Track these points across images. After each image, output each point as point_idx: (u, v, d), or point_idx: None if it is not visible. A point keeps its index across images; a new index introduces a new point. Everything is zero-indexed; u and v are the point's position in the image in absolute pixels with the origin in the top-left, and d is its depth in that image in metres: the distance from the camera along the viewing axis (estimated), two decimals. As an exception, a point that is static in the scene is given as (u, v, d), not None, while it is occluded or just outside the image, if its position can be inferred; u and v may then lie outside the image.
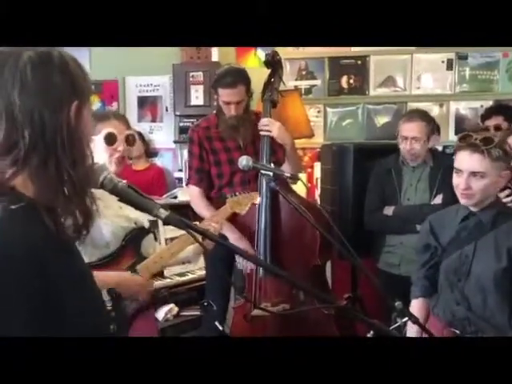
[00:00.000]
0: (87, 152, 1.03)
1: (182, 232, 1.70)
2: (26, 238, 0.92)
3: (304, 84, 4.58)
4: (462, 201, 2.02)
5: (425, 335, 1.66)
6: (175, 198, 3.83)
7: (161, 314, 3.34)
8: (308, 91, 4.58)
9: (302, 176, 3.79)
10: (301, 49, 4.45)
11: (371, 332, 1.38)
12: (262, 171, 2.25)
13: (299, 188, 2.92)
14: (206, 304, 2.76)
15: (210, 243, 1.78)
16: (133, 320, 1.88)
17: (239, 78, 2.82)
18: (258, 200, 2.41)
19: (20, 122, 0.94)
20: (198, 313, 3.40)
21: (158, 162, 4.44)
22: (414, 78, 4.42)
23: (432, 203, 2.90)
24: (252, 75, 2.91)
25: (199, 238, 1.25)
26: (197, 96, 4.45)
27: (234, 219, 2.64)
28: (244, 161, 2.20)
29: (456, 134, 4.22)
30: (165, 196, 3.83)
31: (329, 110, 4.57)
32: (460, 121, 4.37)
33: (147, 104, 4.83)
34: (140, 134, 3.78)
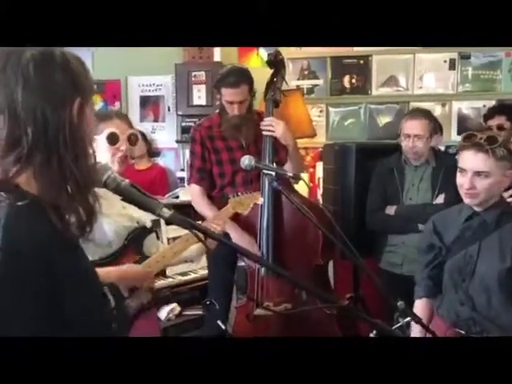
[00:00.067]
0: (90, 150, 1.04)
1: (185, 231, 1.71)
2: (32, 235, 0.92)
3: (306, 83, 4.58)
4: (467, 200, 2.02)
5: (428, 335, 1.66)
6: (177, 197, 3.83)
7: (163, 313, 3.34)
8: (310, 91, 4.58)
9: (304, 176, 3.78)
10: (303, 48, 4.44)
11: (373, 332, 1.38)
12: (265, 171, 2.24)
13: (301, 188, 2.92)
14: (208, 303, 2.75)
15: (213, 242, 1.78)
16: (135, 319, 1.88)
17: (242, 77, 2.82)
18: (260, 200, 2.40)
19: (23, 120, 0.95)
20: (200, 312, 3.40)
21: (161, 161, 4.44)
22: (416, 78, 4.41)
23: (434, 203, 2.89)
24: (254, 75, 2.91)
25: (202, 237, 1.25)
26: (199, 96, 4.45)
27: (236, 219, 2.64)
28: (246, 160, 2.20)
29: (458, 133, 4.20)
30: (167, 196, 3.82)
31: (331, 109, 4.56)
32: (462, 121, 4.36)
33: (149, 104, 4.83)
34: (142, 134, 3.77)
